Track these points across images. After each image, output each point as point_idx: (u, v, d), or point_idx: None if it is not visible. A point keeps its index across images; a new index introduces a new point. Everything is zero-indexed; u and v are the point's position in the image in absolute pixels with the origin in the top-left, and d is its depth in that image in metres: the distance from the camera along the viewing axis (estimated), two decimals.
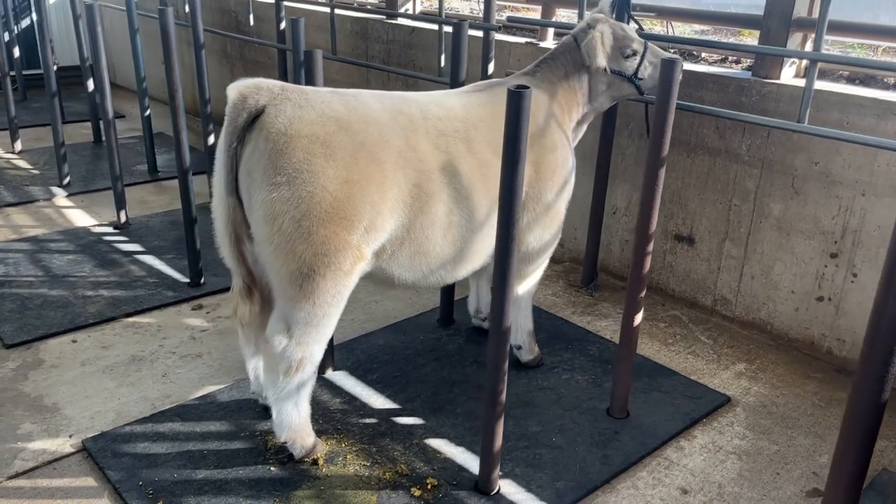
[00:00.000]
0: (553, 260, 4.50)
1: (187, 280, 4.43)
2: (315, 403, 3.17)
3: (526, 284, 3.38)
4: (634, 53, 3.29)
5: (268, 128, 2.49)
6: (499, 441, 2.72)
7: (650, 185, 2.89)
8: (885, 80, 3.72)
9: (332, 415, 3.21)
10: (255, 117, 2.53)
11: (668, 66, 2.75)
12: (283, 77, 5.74)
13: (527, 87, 2.30)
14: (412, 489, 2.79)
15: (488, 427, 2.70)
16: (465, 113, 2.95)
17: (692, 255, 4.19)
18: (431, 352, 3.70)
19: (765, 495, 2.84)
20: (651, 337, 3.93)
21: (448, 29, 4.65)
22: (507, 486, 2.82)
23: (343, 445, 3.02)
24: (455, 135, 2.86)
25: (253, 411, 3.22)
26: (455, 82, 3.59)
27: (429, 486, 2.80)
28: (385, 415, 3.23)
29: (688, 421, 3.23)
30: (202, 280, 4.42)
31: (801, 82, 3.70)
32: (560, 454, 3.00)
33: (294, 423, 2.84)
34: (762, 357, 3.77)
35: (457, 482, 2.84)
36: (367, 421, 3.18)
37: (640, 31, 3.71)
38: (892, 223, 3.40)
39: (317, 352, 2.76)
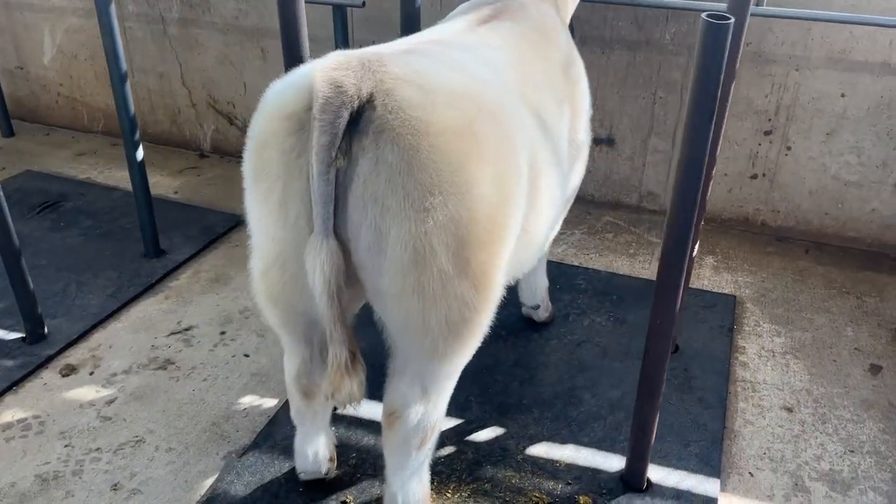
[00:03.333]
0: None
1: (21, 335, 3.10)
2: (363, 453, 2.49)
3: (553, 235, 2.91)
4: None
5: (394, 128, 1.63)
6: (653, 434, 2.37)
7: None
8: None
9: None
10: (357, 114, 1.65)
11: None
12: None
13: (728, 17, 1.80)
14: None
15: (644, 421, 2.32)
16: (516, 53, 2.28)
17: (613, 157, 4.01)
18: None
19: (847, 387, 2.90)
20: (612, 252, 3.74)
21: None
22: (652, 473, 2.50)
23: (449, 494, 2.40)
24: (526, 84, 2.21)
25: (297, 494, 2.40)
26: (410, 7, 2.78)
27: None
28: (453, 436, 2.63)
29: (727, 334, 3.15)
30: (45, 330, 3.13)
31: None
32: (663, 414, 2.73)
33: (420, 499, 2.16)
34: (717, 244, 3.81)
35: (605, 490, 2.44)
36: (443, 452, 2.56)
37: None
38: (826, 93, 3.54)
39: (445, 406, 2.07)
